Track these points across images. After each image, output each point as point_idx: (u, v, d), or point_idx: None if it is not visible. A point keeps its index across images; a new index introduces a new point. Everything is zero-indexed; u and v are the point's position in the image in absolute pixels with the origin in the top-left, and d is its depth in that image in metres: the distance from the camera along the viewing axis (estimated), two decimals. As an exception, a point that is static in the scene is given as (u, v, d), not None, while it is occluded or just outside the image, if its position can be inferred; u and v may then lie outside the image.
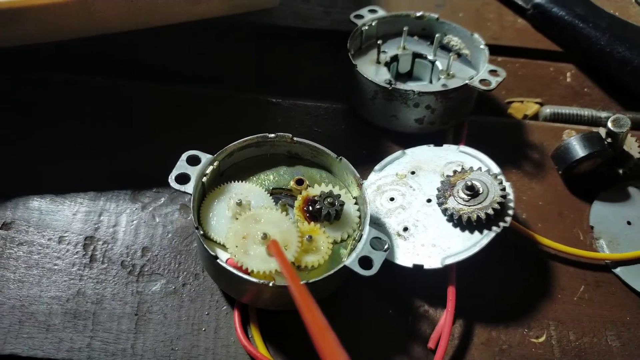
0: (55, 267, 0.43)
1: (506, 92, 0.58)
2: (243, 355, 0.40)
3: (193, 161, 0.41)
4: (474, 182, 0.42)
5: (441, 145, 0.48)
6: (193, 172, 0.41)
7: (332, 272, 0.37)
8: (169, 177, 0.40)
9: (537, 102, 0.57)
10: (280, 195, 0.43)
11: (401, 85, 0.48)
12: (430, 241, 0.42)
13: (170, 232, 0.45)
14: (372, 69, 0.51)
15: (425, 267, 0.41)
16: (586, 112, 0.56)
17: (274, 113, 0.53)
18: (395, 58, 0.53)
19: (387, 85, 0.47)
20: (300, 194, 0.42)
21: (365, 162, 0.49)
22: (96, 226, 0.45)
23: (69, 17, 0.44)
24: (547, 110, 0.56)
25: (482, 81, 0.47)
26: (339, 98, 0.54)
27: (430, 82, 0.53)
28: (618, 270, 0.45)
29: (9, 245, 0.44)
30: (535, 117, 0.57)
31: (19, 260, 0.43)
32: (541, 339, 0.42)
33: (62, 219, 0.45)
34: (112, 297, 0.42)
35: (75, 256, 0.44)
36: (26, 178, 0.47)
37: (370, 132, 0.52)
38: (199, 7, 0.46)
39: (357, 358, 0.40)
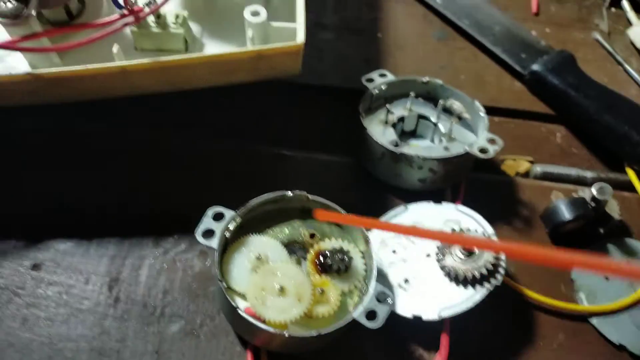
0: (82, 306, 0.47)
1: (500, 150, 0.62)
2: (256, 396, 0.44)
3: (217, 217, 0.45)
4: (470, 243, 0.46)
5: (440, 203, 0.53)
6: (217, 227, 0.45)
7: (342, 325, 0.41)
8: (195, 232, 0.44)
9: (528, 160, 0.62)
10: (294, 248, 0.47)
11: (407, 150, 0.52)
12: (429, 293, 0.46)
13: (189, 276, 0.49)
14: (380, 129, 0.55)
15: (424, 318, 0.45)
16: (573, 171, 0.60)
17: (287, 166, 0.57)
18: (401, 118, 0.57)
19: (395, 150, 0.52)
20: (312, 247, 0.46)
21: (370, 215, 0.53)
22: (121, 269, 0.49)
23: (108, 83, 0.48)
24: (538, 168, 0.61)
25: (481, 150, 0.51)
26: (348, 151, 0.58)
27: (432, 141, 0.57)
28: (594, 321, 0.49)
29: (40, 285, 0.48)
30: (526, 174, 0.61)
31: (48, 299, 0.47)
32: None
33: (89, 261, 0.49)
34: (135, 336, 0.46)
35: (101, 297, 0.47)
36: (56, 221, 0.51)
37: (376, 186, 0.56)
38: (227, 78, 0.50)
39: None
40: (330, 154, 0.58)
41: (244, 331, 0.45)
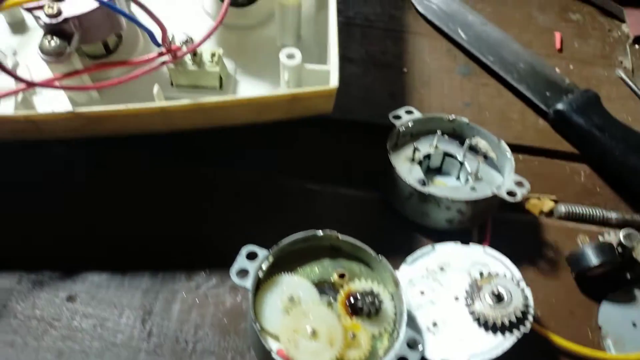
0: (116, 340, 0.48)
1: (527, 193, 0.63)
2: None
3: (250, 256, 0.46)
4: (499, 289, 0.47)
5: (468, 244, 0.53)
6: (251, 267, 0.45)
7: (373, 368, 0.42)
8: (230, 271, 0.45)
9: (552, 199, 0.62)
10: (324, 288, 0.48)
11: (435, 190, 0.53)
12: (458, 338, 0.47)
13: (220, 312, 0.50)
14: (407, 166, 0.56)
15: (453, 363, 0.46)
16: (597, 211, 0.61)
17: (315, 200, 0.58)
18: (427, 155, 0.58)
19: (423, 190, 0.53)
20: (342, 287, 0.47)
21: (398, 253, 0.53)
22: (153, 303, 0.50)
23: (147, 121, 0.49)
24: (562, 208, 0.61)
25: (509, 193, 0.52)
26: (374, 186, 0.59)
27: (458, 178, 0.58)
28: (623, 372, 0.50)
29: (75, 317, 0.49)
30: (550, 213, 0.62)
31: (83, 332, 0.48)
32: None
33: (122, 294, 0.50)
34: (168, 373, 0.47)
35: (134, 330, 0.48)
36: (90, 253, 0.52)
37: (403, 225, 0.57)
38: (261, 117, 0.51)
39: None
40: (357, 189, 0.59)
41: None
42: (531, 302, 0.47)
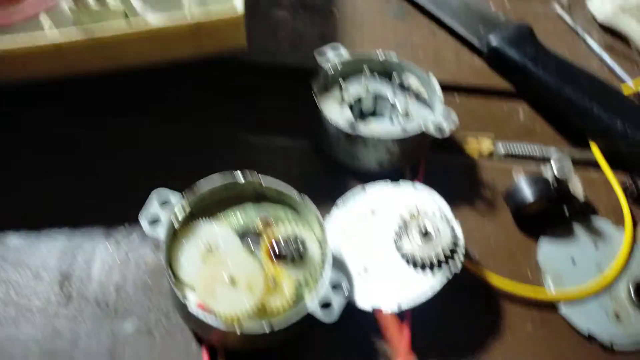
0: (32, 305, 0.45)
1: (462, 128, 0.61)
2: (212, 392, 0.43)
3: (163, 201, 0.43)
4: (427, 227, 0.45)
5: (398, 181, 0.51)
6: (163, 212, 0.43)
7: (295, 319, 0.40)
8: (140, 216, 0.42)
9: (491, 139, 0.61)
10: (248, 235, 0.46)
11: (363, 131, 0.51)
12: (389, 282, 0.45)
13: (142, 270, 0.47)
14: (337, 109, 0.54)
15: (384, 311, 0.44)
16: (537, 149, 0.59)
17: (241, 150, 0.55)
18: (359, 100, 0.55)
19: (350, 132, 0.50)
20: (266, 233, 0.45)
21: (328, 196, 0.51)
22: (71, 264, 0.47)
23: (41, 61, 0.45)
24: (501, 147, 0.60)
25: (437, 129, 0.50)
26: (305, 134, 0.57)
27: (391, 119, 0.56)
28: (562, 309, 0.49)
29: (-15, 284, 0.46)
30: (489, 153, 0.60)
31: (-5, 298, 0.45)
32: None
33: (37, 256, 0.47)
34: (87, 336, 0.44)
35: (51, 294, 0.45)
36: (2, 214, 0.49)
37: (333, 169, 0.54)
38: (169, 52, 0.48)
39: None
40: (286, 137, 0.57)
41: (197, 327, 0.43)
42: (461, 238, 0.45)
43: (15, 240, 0.48)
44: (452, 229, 0.45)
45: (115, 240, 0.49)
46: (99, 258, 0.48)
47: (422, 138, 0.52)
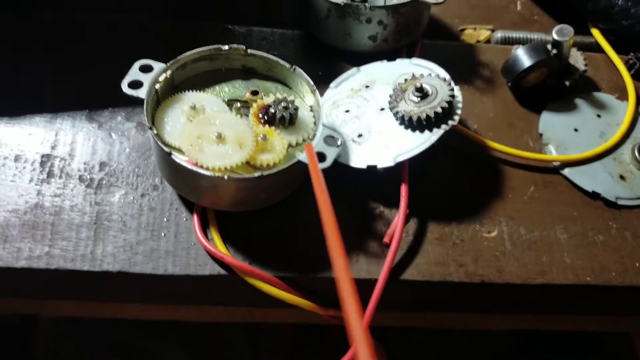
0: (12, 183, 0.43)
1: (459, 20, 0.59)
2: (203, 257, 0.41)
3: (146, 69, 0.41)
4: (423, 84, 0.43)
5: (394, 60, 0.49)
6: (146, 79, 0.41)
7: (287, 165, 0.38)
8: (122, 82, 0.40)
9: (489, 29, 0.59)
10: (236, 105, 0.44)
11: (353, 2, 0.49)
12: (384, 144, 0.43)
13: (127, 148, 0.45)
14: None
15: (379, 166, 0.42)
16: (535, 35, 0.57)
17: (229, 39, 0.53)
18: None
19: (340, 1, 0.48)
20: (255, 101, 0.43)
21: (322, 82, 0.49)
22: (53, 145, 0.45)
23: None
24: (499, 34, 0.58)
25: (431, -7, 0.48)
26: (294, 23, 0.55)
27: (384, 2, 0.54)
28: (565, 171, 0.47)
29: (-36, 164, 0.44)
30: (487, 42, 0.58)
31: (-21, 177, 0.43)
32: (493, 234, 0.43)
33: (18, 139, 0.45)
34: (71, 209, 0.42)
35: (32, 173, 0.44)
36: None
37: (326, 53, 0.52)
38: None
39: (317, 254, 0.41)
40: (274, 27, 0.54)
41: (186, 189, 0.41)
42: (459, 94, 0.43)
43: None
44: (450, 84, 0.43)
45: (99, 122, 0.47)
46: (81, 138, 0.46)
47: (417, 10, 0.50)
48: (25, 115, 0.46)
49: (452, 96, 0.42)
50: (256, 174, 0.37)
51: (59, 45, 0.50)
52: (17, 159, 0.44)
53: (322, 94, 0.48)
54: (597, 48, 0.57)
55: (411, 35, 0.52)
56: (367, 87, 0.48)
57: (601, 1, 0.55)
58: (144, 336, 0.73)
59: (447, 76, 0.45)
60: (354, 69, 0.50)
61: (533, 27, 0.60)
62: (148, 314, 0.51)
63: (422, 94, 0.43)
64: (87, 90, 0.48)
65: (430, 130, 0.42)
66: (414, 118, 0.42)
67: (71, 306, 0.51)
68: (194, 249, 0.41)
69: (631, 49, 0.55)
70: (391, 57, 0.50)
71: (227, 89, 0.45)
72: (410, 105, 0.43)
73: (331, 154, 0.39)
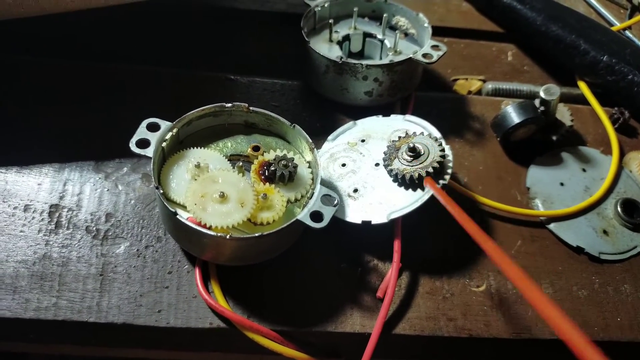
0: (22, 233, 0.45)
1: (452, 71, 0.62)
2: (204, 309, 0.42)
3: (153, 128, 0.44)
4: (416, 144, 0.45)
5: (389, 116, 0.51)
6: (153, 137, 0.43)
7: (285, 225, 0.40)
8: (130, 142, 0.42)
9: (480, 79, 0.61)
10: (238, 161, 0.46)
11: (350, 59, 0.51)
12: (378, 200, 0.45)
13: (133, 199, 0.47)
14: (325, 47, 0.54)
15: (373, 222, 0.44)
16: (525, 87, 0.60)
17: (231, 90, 0.55)
18: (347, 37, 0.56)
19: (338, 60, 0.50)
20: (257, 159, 0.45)
21: (320, 134, 0.52)
22: (61, 195, 0.47)
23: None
24: (489, 85, 0.60)
25: (425, 55, 0.50)
26: (295, 76, 0.57)
27: (380, 59, 0.56)
28: (551, 226, 0.49)
29: (-26, 213, 0.46)
30: (478, 93, 0.60)
31: (-16, 227, 0.45)
32: (481, 288, 0.45)
33: (27, 189, 0.47)
34: (77, 260, 0.44)
35: (41, 223, 0.45)
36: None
37: (324, 106, 0.55)
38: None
39: (312, 307, 0.43)
40: (278, 78, 0.57)
41: (189, 245, 0.43)
42: (450, 156, 0.45)
43: (3, 176, 0.48)
44: (440, 144, 0.45)
45: (105, 173, 0.49)
46: (88, 189, 0.48)
47: (411, 68, 0.52)
48: (35, 165, 0.48)
49: (443, 156, 0.45)
50: (257, 234, 0.39)
51: (67, 97, 0.53)
52: (26, 209, 0.46)
53: (320, 145, 0.51)
54: (584, 100, 0.59)
55: (405, 90, 0.54)
56: (362, 140, 0.50)
57: (588, 57, 0.57)
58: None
59: (439, 135, 0.47)
60: (350, 123, 0.52)
61: (523, 78, 0.62)
62: (148, 355, 0.53)
63: (415, 153, 0.45)
64: (95, 142, 0.50)
65: (423, 189, 0.44)
66: (407, 177, 0.44)
67: (70, 347, 0.52)
68: (195, 302, 0.43)
69: (616, 103, 0.57)
70: (386, 110, 0.53)
71: (230, 144, 0.47)
72: (404, 164, 0.45)
73: (328, 213, 0.41)
